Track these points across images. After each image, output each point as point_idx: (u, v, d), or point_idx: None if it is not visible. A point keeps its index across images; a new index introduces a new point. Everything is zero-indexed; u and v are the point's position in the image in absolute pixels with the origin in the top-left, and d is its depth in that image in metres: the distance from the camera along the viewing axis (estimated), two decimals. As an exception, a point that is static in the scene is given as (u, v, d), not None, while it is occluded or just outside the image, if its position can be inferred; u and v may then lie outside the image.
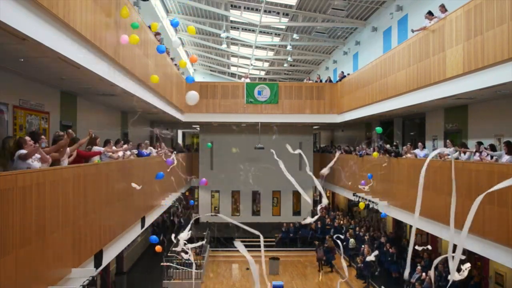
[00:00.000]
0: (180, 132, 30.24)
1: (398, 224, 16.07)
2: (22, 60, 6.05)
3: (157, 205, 11.74)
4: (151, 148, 12.31)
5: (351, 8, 18.15)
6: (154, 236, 7.47)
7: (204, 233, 19.60)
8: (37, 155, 5.00)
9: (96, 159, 7.28)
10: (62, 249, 5.22)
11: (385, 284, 14.02)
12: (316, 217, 6.17)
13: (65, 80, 7.73)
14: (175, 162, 8.31)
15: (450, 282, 4.36)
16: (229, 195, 22.96)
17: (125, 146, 9.08)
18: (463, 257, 4.20)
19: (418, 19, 13.05)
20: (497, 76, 7.46)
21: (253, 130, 19.80)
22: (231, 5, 20.45)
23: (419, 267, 11.85)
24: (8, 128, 7.03)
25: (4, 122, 6.93)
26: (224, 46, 25.65)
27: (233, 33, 24.86)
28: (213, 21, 23.18)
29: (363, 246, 15.30)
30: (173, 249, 6.95)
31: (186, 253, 6.58)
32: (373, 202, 13.14)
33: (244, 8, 20.50)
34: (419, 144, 12.00)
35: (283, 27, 22.49)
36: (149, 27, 10.77)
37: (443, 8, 9.90)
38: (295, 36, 22.41)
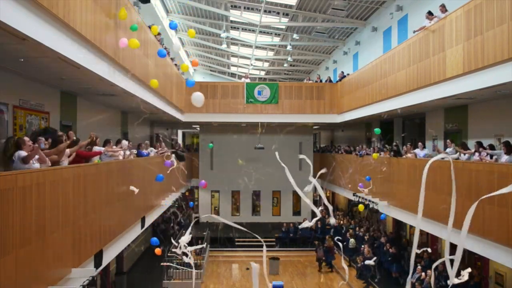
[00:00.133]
0: (180, 132, 30.24)
1: (398, 224, 16.06)
2: (22, 60, 6.05)
3: (157, 205, 11.74)
4: (151, 148, 12.31)
5: (351, 8, 18.15)
6: (155, 238, 7.46)
7: (204, 233, 19.60)
8: (36, 156, 5.00)
9: (96, 159, 7.29)
10: (62, 249, 5.22)
11: (385, 284, 14.02)
12: (313, 221, 6.16)
13: (65, 80, 7.73)
14: (175, 164, 8.31)
15: (449, 286, 4.35)
16: (229, 195, 22.96)
17: (124, 141, 9.09)
18: (454, 259, 4.20)
19: (418, 19, 13.06)
20: (497, 76, 7.46)
21: (253, 130, 19.80)
22: (231, 5, 20.45)
23: (419, 267, 11.85)
24: (8, 128, 7.03)
25: (4, 122, 6.93)
26: (224, 46, 25.65)
27: (233, 33, 24.86)
28: (213, 21, 23.18)
29: (363, 246, 15.30)
30: (173, 250, 6.92)
31: (187, 255, 6.58)
32: (373, 202, 13.14)
33: (244, 8, 20.50)
34: (419, 144, 12.00)
35: (283, 27, 22.49)
36: (149, 27, 10.78)
37: (443, 8, 9.90)
38: (295, 36, 22.41)
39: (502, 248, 6.98)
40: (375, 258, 9.85)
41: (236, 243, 19.49)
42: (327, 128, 26.79)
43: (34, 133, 6.40)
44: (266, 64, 33.28)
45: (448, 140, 10.64)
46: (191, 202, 14.81)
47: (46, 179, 4.76)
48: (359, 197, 14.09)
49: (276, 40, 25.52)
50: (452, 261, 4.16)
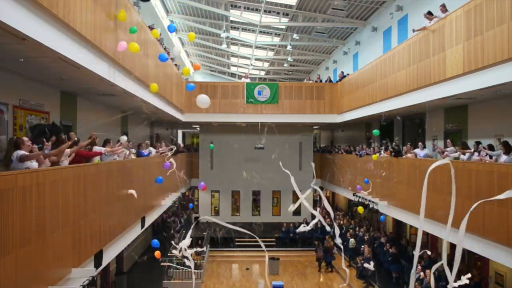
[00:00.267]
0: (180, 132, 30.24)
1: (398, 224, 16.06)
2: (22, 60, 6.05)
3: (157, 205, 11.74)
4: (151, 148, 12.30)
5: (351, 8, 18.14)
6: (156, 240, 7.44)
7: (204, 233, 19.62)
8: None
9: (96, 159, 7.29)
10: (62, 249, 5.22)
11: (385, 284, 14.02)
12: (311, 224, 6.16)
13: (65, 80, 7.73)
14: (174, 166, 8.32)
15: None
16: (229, 195, 22.96)
17: (123, 136, 9.10)
18: (453, 262, 4.19)
19: (418, 19, 13.05)
20: (497, 76, 7.46)
21: (253, 130, 19.82)
22: (231, 5, 20.45)
23: (419, 267, 11.85)
24: (8, 128, 7.03)
25: (4, 122, 6.93)
26: (224, 46, 25.65)
27: (233, 33, 24.86)
28: (213, 21, 23.17)
29: (363, 246, 15.30)
30: (173, 251, 6.91)
31: (187, 258, 6.58)
32: (373, 202, 13.14)
33: (244, 8, 20.50)
34: (419, 144, 12.00)
35: (283, 27, 22.49)
36: (150, 27, 10.79)
37: (443, 8, 9.90)
38: (295, 36, 22.40)
39: (502, 248, 6.97)
40: (373, 264, 9.81)
41: (236, 243, 19.49)
42: (327, 128, 26.80)
43: (40, 127, 6.38)
44: (266, 64, 33.27)
45: (448, 140, 10.64)
46: (191, 204, 14.81)
47: (46, 179, 4.76)
48: (359, 197, 14.09)
49: (276, 40, 25.52)
50: (450, 265, 4.16)
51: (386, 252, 14.45)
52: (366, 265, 9.57)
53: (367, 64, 15.33)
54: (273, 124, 18.65)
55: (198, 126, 23.02)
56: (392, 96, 12.49)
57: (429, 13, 10.43)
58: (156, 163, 10.98)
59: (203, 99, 6.85)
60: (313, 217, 20.61)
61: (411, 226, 14.93)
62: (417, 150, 11.70)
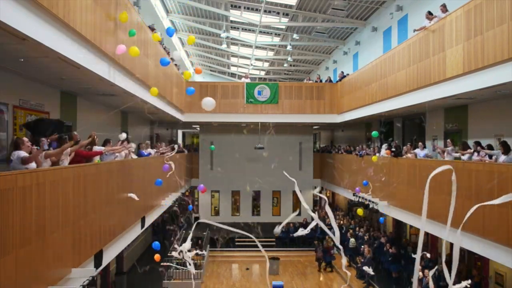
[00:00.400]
0: (180, 132, 30.24)
1: (398, 224, 16.06)
2: (22, 60, 6.05)
3: (157, 205, 11.74)
4: (150, 150, 12.30)
5: (351, 8, 18.15)
6: (157, 243, 7.42)
7: (204, 233, 19.62)
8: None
9: (96, 159, 7.29)
10: (62, 249, 5.22)
11: (385, 284, 14.03)
12: (308, 228, 6.14)
13: (65, 80, 7.73)
14: (173, 168, 8.32)
15: None
16: (229, 195, 22.97)
17: (123, 134, 9.11)
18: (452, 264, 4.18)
19: (418, 19, 13.06)
20: (497, 76, 7.46)
21: (253, 130, 19.81)
22: (231, 5, 20.45)
23: (419, 267, 11.85)
24: (8, 128, 7.03)
25: (4, 122, 6.93)
26: (224, 46, 25.65)
27: (233, 33, 24.86)
28: (213, 21, 23.18)
29: (363, 246, 15.31)
30: (172, 253, 6.90)
31: (188, 263, 6.57)
32: (373, 202, 13.14)
33: (244, 8, 20.50)
34: (419, 144, 12.00)
35: (283, 27, 22.49)
36: (149, 27, 10.78)
37: (444, 8, 9.90)
38: (295, 36, 22.41)
39: (502, 248, 6.97)
40: (371, 269, 9.78)
41: (236, 243, 19.50)
42: (327, 128, 26.79)
43: (46, 121, 6.36)
44: (266, 64, 33.28)
45: (448, 140, 10.64)
46: (190, 206, 14.82)
47: (46, 179, 4.76)
48: (359, 197, 14.09)
49: (276, 40, 25.52)
50: (449, 266, 4.16)
51: (386, 252, 14.45)
52: (365, 268, 9.53)
53: (367, 64, 15.33)
54: (273, 124, 18.67)
55: (198, 126, 23.02)
56: (392, 96, 12.49)
57: (429, 13, 10.44)
58: (156, 163, 10.99)
59: (208, 102, 6.82)
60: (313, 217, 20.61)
61: (411, 226, 14.93)
62: (417, 150, 11.70)
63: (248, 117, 18.39)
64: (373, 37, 18.51)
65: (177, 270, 14.27)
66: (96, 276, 7.37)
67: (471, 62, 8.19)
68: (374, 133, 10.92)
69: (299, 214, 22.45)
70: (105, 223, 6.97)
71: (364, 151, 15.32)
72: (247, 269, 17.45)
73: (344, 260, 5.54)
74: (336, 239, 5.62)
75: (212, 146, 17.50)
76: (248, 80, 20.31)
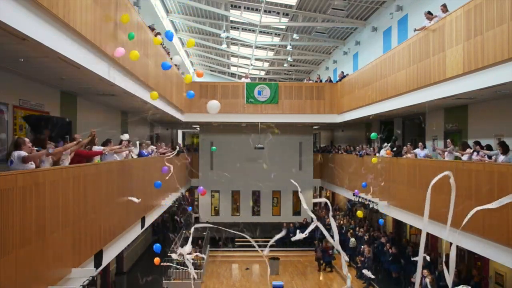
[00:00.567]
0: (180, 132, 30.25)
1: (398, 224, 16.07)
2: (22, 60, 6.05)
3: (157, 205, 11.74)
4: (152, 147, 12.31)
5: (351, 8, 18.15)
6: (158, 245, 7.40)
7: (204, 233, 19.62)
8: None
9: (96, 159, 7.28)
10: (62, 249, 5.22)
11: (385, 284, 14.03)
12: (306, 232, 6.13)
13: (65, 80, 7.74)
14: (172, 171, 8.31)
15: None
16: (229, 195, 22.97)
17: (125, 134, 9.12)
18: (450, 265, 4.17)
19: (418, 19, 13.05)
20: (497, 76, 7.46)
21: (253, 130, 19.82)
22: (231, 5, 20.45)
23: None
24: (8, 128, 7.03)
25: (4, 122, 6.93)
26: (224, 46, 25.65)
27: (233, 33, 24.86)
28: (213, 21, 23.18)
29: (363, 246, 15.31)
30: (172, 255, 6.89)
31: (189, 267, 6.56)
32: (373, 202, 13.14)
33: (244, 8, 20.50)
34: (420, 144, 12.00)
35: (283, 27, 22.49)
36: (149, 27, 10.78)
37: (444, 8, 9.89)
38: (295, 36, 22.40)
39: (502, 248, 6.97)
40: (371, 274, 9.76)
41: (236, 243, 19.50)
42: (327, 128, 26.80)
43: (53, 120, 6.34)
44: (266, 64, 33.28)
45: (448, 140, 10.64)
46: (190, 207, 14.81)
47: (46, 179, 4.76)
48: (359, 197, 14.09)
49: (276, 40, 25.52)
50: (447, 267, 4.16)
51: (386, 252, 14.45)
52: (365, 272, 9.52)
53: (367, 64, 15.33)
54: (273, 124, 18.67)
55: (198, 126, 23.02)
56: (392, 96, 12.49)
57: (429, 13, 10.44)
58: (156, 163, 10.99)
59: (213, 105, 6.77)
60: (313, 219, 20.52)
61: (411, 226, 14.93)
62: (417, 150, 11.70)
63: (248, 117, 18.40)
64: (373, 37, 18.51)
65: (177, 270, 14.26)
66: (96, 276, 7.37)
67: (471, 62, 8.19)
68: (373, 135, 10.94)
69: (299, 214, 22.48)
70: (105, 223, 6.97)
71: (364, 151, 15.33)
72: (247, 269, 17.45)
73: (345, 268, 5.51)
74: (336, 244, 5.61)
75: (214, 147, 17.51)
76: (248, 80, 20.31)
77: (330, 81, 19.90)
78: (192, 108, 17.43)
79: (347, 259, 5.77)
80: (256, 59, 30.51)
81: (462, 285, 4.43)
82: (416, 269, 11.39)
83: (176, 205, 15.44)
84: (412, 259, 8.51)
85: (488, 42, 7.60)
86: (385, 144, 13.61)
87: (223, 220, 21.22)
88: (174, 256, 6.57)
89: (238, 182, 21.56)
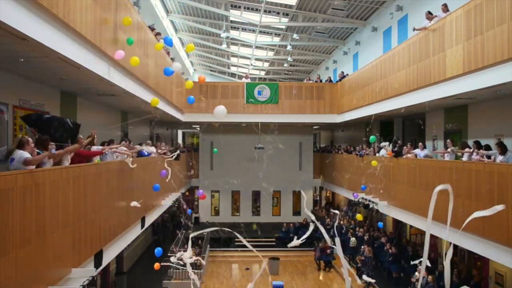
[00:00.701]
0: (180, 132, 30.25)
1: (398, 224, 16.07)
2: (22, 60, 6.05)
3: (157, 205, 11.74)
4: (153, 147, 12.31)
5: (351, 8, 18.14)
6: (160, 248, 7.37)
7: (204, 233, 19.59)
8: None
9: (96, 159, 7.28)
10: (62, 249, 5.21)
11: (385, 284, 14.03)
12: (303, 237, 6.13)
13: (65, 80, 7.74)
14: (170, 175, 8.30)
15: None
16: (229, 195, 22.97)
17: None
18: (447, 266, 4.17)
19: (418, 19, 13.05)
20: (497, 76, 7.46)
21: (253, 130, 19.81)
22: (231, 5, 20.45)
23: (419, 267, 11.84)
24: (8, 128, 7.03)
25: (4, 122, 6.93)
26: (224, 46, 25.65)
27: (233, 33, 24.86)
28: (213, 21, 23.18)
29: (363, 246, 15.32)
30: (171, 259, 6.83)
31: (190, 272, 6.55)
32: (373, 202, 13.15)
33: (244, 8, 20.50)
34: (419, 144, 11.99)
35: (283, 27, 22.49)
36: (149, 27, 10.77)
37: (445, 8, 9.88)
38: (295, 36, 22.41)
39: (502, 248, 6.98)
40: (371, 279, 9.75)
41: (236, 243, 19.49)
42: (327, 128, 26.80)
43: (62, 121, 6.32)
44: (266, 64, 33.28)
45: (448, 140, 10.64)
46: (189, 209, 14.81)
47: (46, 179, 4.76)
48: (359, 197, 14.09)
49: (276, 40, 25.52)
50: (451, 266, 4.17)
51: (386, 252, 14.45)
52: (365, 277, 9.44)
53: (367, 64, 15.33)
54: (273, 124, 18.67)
55: (198, 126, 23.01)
56: (392, 96, 12.49)
57: (429, 13, 10.43)
58: (156, 163, 10.99)
59: (220, 111, 6.70)
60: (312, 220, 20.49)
61: (411, 226, 14.93)
62: (417, 151, 11.70)
63: (248, 117, 18.40)
64: (373, 37, 18.50)
65: (177, 270, 14.26)
66: (96, 276, 7.37)
67: (471, 62, 8.19)
68: (372, 138, 10.98)
69: (299, 214, 22.49)
70: (105, 223, 6.97)
71: (364, 151, 15.32)
72: (247, 269, 17.45)
73: (346, 273, 5.51)
74: (339, 249, 5.62)
75: (215, 149, 17.53)
76: (248, 80, 20.31)
77: (330, 81, 19.90)
78: (192, 108, 17.43)
79: (348, 266, 5.77)
80: (256, 59, 30.51)
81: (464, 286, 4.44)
82: (415, 269, 11.39)
83: (176, 205, 15.43)
84: (411, 262, 8.51)
85: (488, 42, 7.60)
86: (384, 143, 13.58)
87: (223, 220, 21.23)
88: (172, 259, 6.52)
89: (238, 182, 21.55)
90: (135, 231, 9.31)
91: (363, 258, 14.73)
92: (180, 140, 29.82)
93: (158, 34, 12.63)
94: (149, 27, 11.35)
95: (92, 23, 6.35)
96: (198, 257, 7.40)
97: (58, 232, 5.06)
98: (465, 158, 9.29)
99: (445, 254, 4.22)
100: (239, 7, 20.43)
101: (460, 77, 8.69)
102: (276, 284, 13.92)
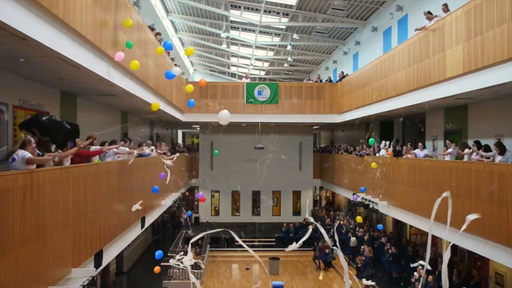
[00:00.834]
0: (180, 132, 30.25)
1: (398, 224, 16.06)
2: (22, 60, 6.05)
3: (157, 205, 11.74)
4: (153, 147, 12.31)
5: (351, 8, 18.14)
6: (161, 251, 7.33)
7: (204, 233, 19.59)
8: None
9: (96, 159, 7.28)
10: (62, 249, 5.22)
11: (385, 284, 14.02)
12: (300, 242, 6.13)
13: (65, 80, 7.74)
14: (168, 177, 8.29)
15: None
16: (229, 195, 22.97)
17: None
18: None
19: (418, 19, 13.05)
20: (497, 76, 7.46)
21: (253, 130, 19.83)
22: (231, 5, 20.45)
23: (420, 268, 11.84)
24: (8, 128, 7.03)
25: (4, 122, 6.93)
26: (224, 46, 25.65)
27: (233, 33, 24.86)
28: (213, 21, 23.18)
29: (363, 246, 15.32)
30: (170, 261, 6.77)
31: (191, 276, 6.55)
32: (373, 202, 13.15)
33: (244, 8, 20.50)
34: (419, 144, 11.99)
35: (283, 27, 22.49)
36: (149, 27, 10.77)
37: (445, 8, 9.88)
38: (295, 36, 22.41)
39: (502, 248, 6.98)
40: (372, 282, 9.75)
41: (236, 243, 19.49)
42: (327, 128, 26.81)
43: (60, 123, 6.31)
44: (266, 64, 33.28)
45: (447, 141, 10.63)
46: (189, 212, 14.81)
47: (46, 179, 4.76)
48: (359, 197, 14.09)
49: (276, 40, 25.52)
50: (449, 266, 4.18)
51: (386, 252, 14.45)
52: (364, 281, 9.53)
53: (367, 64, 15.33)
54: (273, 124, 18.67)
55: (198, 126, 23.00)
56: (392, 96, 12.49)
57: (429, 13, 10.43)
58: (156, 163, 10.98)
59: (224, 116, 6.65)
60: (313, 216, 20.46)
61: (411, 226, 14.93)
62: (416, 151, 11.70)
63: (248, 117, 18.40)
64: (373, 37, 18.50)
65: (177, 270, 14.25)
66: (96, 276, 7.35)
67: (471, 62, 8.19)
68: (371, 140, 10.99)
69: (299, 214, 22.49)
70: (105, 223, 6.97)
71: (364, 151, 15.32)
72: (247, 269, 17.44)
73: (347, 276, 5.51)
74: (340, 255, 5.62)
75: (216, 151, 17.53)
76: (248, 80, 20.31)
77: (330, 81, 19.90)
78: (192, 108, 17.41)
79: (348, 270, 5.77)
80: (256, 59, 30.51)
81: None
82: (415, 269, 11.37)
83: (176, 206, 15.44)
84: (411, 265, 8.52)
85: (488, 42, 7.60)
86: (384, 142, 13.56)
87: (223, 220, 21.24)
88: (172, 261, 6.49)
89: (238, 182, 21.56)
90: (135, 231, 9.32)
91: (363, 258, 14.73)
92: (180, 140, 29.81)
93: (158, 34, 12.63)
94: (149, 27, 11.36)
95: (92, 23, 6.35)
96: (198, 259, 7.37)
97: (58, 232, 5.06)
98: (465, 158, 9.30)
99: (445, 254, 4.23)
100: (239, 7, 20.43)
101: (460, 77, 8.69)
102: (276, 284, 13.92)
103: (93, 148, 7.38)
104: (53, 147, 5.82)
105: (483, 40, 7.78)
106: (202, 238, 18.68)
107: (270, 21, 21.81)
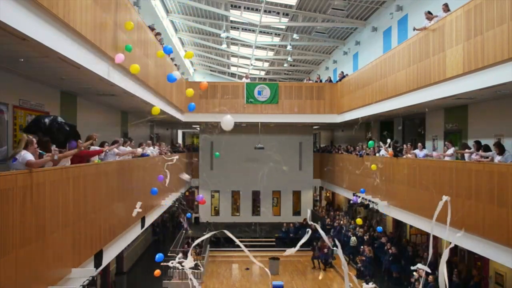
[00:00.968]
0: (180, 132, 30.24)
1: (398, 224, 16.06)
2: (22, 60, 6.05)
3: (157, 205, 11.74)
4: (152, 148, 12.31)
5: (351, 8, 18.14)
6: (161, 254, 7.31)
7: (204, 233, 19.61)
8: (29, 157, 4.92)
9: (95, 159, 7.28)
10: (62, 249, 5.22)
11: (385, 284, 14.02)
12: (297, 246, 6.13)
13: (65, 80, 7.74)
14: (168, 180, 8.29)
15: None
16: (229, 195, 22.97)
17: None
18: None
19: (418, 19, 13.05)
20: (497, 76, 7.46)
21: (253, 130, 19.82)
22: (231, 5, 20.45)
23: (419, 268, 11.83)
24: (8, 128, 7.03)
25: (4, 122, 6.93)
26: (224, 46, 25.65)
27: (233, 33, 24.86)
28: (213, 21, 23.18)
29: (362, 246, 15.32)
30: (171, 263, 6.73)
31: (191, 278, 6.54)
32: (373, 202, 13.15)
33: (244, 8, 20.50)
34: (419, 144, 11.99)
35: (283, 27, 22.49)
36: (149, 27, 10.76)
37: (446, 7, 9.87)
38: (295, 36, 22.41)
39: (502, 248, 6.97)
40: (372, 285, 9.73)
41: (236, 243, 19.48)
42: (327, 128, 26.81)
43: (61, 124, 6.31)
44: (266, 64, 33.28)
45: (447, 142, 10.62)
46: (189, 213, 14.81)
47: (46, 179, 4.76)
48: (359, 197, 14.09)
49: (276, 40, 25.52)
50: (449, 266, 4.19)
51: (386, 252, 14.45)
52: (365, 285, 9.44)
53: (367, 64, 15.33)
54: (273, 124, 18.66)
55: (198, 126, 23.00)
56: (392, 96, 12.49)
57: (429, 12, 10.42)
58: (156, 163, 10.98)
59: (228, 122, 6.64)
60: (313, 216, 20.42)
61: (411, 226, 14.93)
62: (416, 151, 11.69)
63: (248, 117, 18.39)
64: (373, 37, 18.50)
65: (177, 270, 14.26)
66: (96, 276, 7.36)
67: (471, 62, 8.19)
68: (370, 143, 10.97)
69: (299, 214, 22.50)
70: (105, 223, 6.98)
71: (364, 151, 15.32)
72: (247, 269, 17.44)
73: (347, 278, 5.52)
74: (340, 254, 5.63)
75: (217, 153, 17.54)
76: (248, 80, 20.31)
77: (330, 81, 19.90)
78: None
79: (347, 271, 5.78)
80: (256, 59, 30.51)
81: None
82: (415, 269, 11.37)
83: (176, 206, 15.44)
84: (411, 268, 8.52)
85: (488, 42, 7.60)
86: (389, 142, 13.56)
87: (223, 220, 21.26)
88: (172, 264, 6.47)
89: (238, 182, 21.55)
90: (135, 231, 9.32)
91: (363, 258, 14.73)
92: (180, 140, 29.81)
93: (158, 34, 12.63)
94: (149, 27, 11.36)
95: (92, 23, 6.35)
96: (198, 259, 7.35)
97: (58, 232, 5.06)
98: (466, 159, 9.29)
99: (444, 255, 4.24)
100: (239, 7, 20.43)
101: (460, 77, 8.69)
102: (276, 284, 13.92)
103: (93, 148, 7.37)
104: (53, 147, 5.81)
105: (483, 40, 7.78)
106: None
107: (270, 21, 21.81)
